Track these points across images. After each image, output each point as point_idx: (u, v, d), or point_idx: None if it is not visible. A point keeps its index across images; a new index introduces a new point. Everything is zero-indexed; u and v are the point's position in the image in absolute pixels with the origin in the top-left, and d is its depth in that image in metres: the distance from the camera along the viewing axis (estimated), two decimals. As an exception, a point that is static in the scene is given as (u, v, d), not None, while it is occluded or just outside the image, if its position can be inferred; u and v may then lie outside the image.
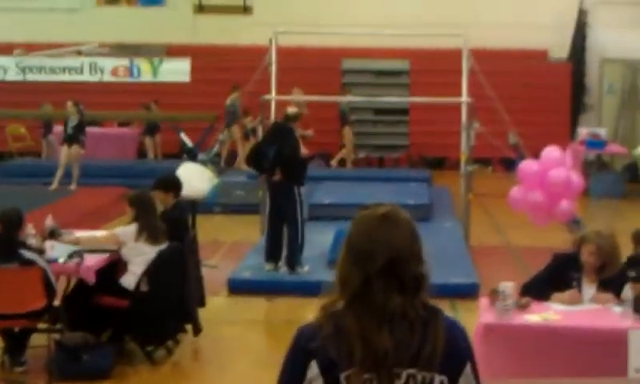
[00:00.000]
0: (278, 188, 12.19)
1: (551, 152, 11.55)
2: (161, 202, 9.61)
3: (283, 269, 12.18)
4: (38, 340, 8.82)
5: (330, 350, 3.06)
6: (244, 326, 10.56)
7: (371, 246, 3.12)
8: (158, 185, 9.83)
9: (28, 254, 8.37)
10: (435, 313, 3.17)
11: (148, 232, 8.94)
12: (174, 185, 9.98)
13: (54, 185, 19.16)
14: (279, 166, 12.04)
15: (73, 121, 19.62)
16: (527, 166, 11.66)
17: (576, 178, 11.60)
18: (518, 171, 11.73)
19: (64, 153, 19.44)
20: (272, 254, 12.25)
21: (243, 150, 20.68)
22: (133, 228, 8.97)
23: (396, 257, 3.10)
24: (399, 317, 3.08)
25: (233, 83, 21.17)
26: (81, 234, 9.52)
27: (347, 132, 23.09)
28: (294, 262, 12.09)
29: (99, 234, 9.61)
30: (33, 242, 8.73)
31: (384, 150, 24.64)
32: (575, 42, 24.66)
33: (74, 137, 19.44)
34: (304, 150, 12.98)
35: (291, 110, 12.93)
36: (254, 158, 12.65)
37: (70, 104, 19.88)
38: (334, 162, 23.28)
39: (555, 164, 11.40)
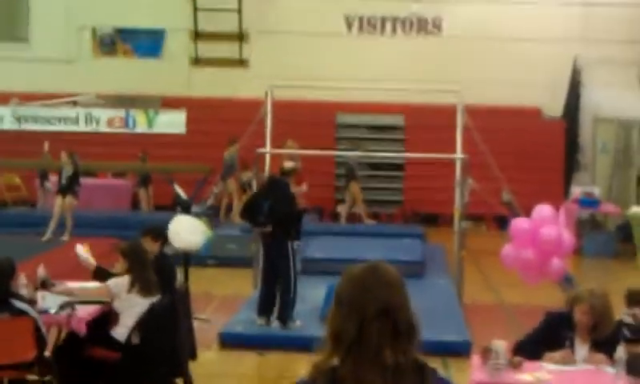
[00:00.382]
0: (272, 242, 12.18)
1: (543, 210, 11.58)
2: (149, 249, 9.61)
3: (275, 323, 12.12)
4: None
5: None
6: (235, 381, 10.51)
7: (363, 295, 3.18)
8: (148, 232, 9.84)
9: (19, 304, 8.32)
10: (426, 367, 3.22)
11: (141, 284, 8.91)
12: (162, 234, 9.99)
13: (47, 235, 19.13)
14: (273, 220, 12.04)
15: (67, 171, 19.62)
16: (519, 223, 11.68)
17: (567, 237, 11.61)
18: (510, 229, 11.76)
19: (58, 203, 19.44)
20: (264, 309, 12.21)
21: (239, 203, 20.67)
22: (125, 280, 8.94)
23: (387, 305, 3.16)
24: (392, 367, 3.12)
25: (231, 136, 21.19)
26: (73, 285, 9.48)
27: (354, 187, 23.06)
28: (285, 317, 12.04)
29: (91, 285, 9.56)
30: (24, 292, 8.69)
31: (378, 205, 24.64)
32: (569, 101, 24.80)
33: (68, 187, 19.43)
34: (301, 202, 12.98)
35: (288, 164, 12.95)
36: (248, 211, 12.65)
37: (64, 154, 19.91)
38: (342, 220, 23.22)
39: (547, 222, 11.42)
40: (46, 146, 22.90)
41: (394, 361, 3.13)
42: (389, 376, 3.12)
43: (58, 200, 19.49)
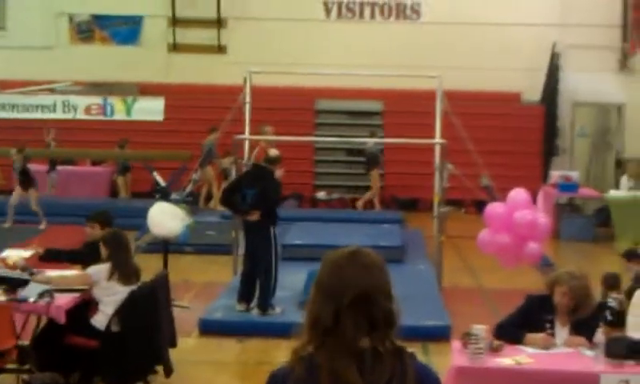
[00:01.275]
0: (255, 229, 12.15)
1: (518, 194, 11.60)
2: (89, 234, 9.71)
3: (255, 310, 12.11)
4: (6, 380, 8.69)
5: None
6: (215, 368, 10.48)
7: (341, 282, 3.15)
8: (93, 220, 9.89)
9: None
10: (405, 353, 3.19)
11: (120, 271, 8.88)
12: (102, 218, 10.01)
13: (8, 223, 19.24)
14: (260, 208, 12.02)
15: (17, 167, 19.61)
16: (493, 208, 11.70)
17: (543, 220, 11.63)
18: (485, 214, 11.77)
19: (17, 193, 19.46)
20: (244, 295, 12.19)
21: (218, 191, 20.64)
22: (105, 267, 8.89)
23: (365, 292, 3.13)
24: (369, 353, 3.11)
25: (211, 124, 21.09)
26: (52, 272, 9.44)
27: (375, 175, 22.98)
28: (265, 304, 12.02)
29: (71, 273, 9.50)
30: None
31: (357, 190, 24.63)
32: (548, 86, 24.86)
33: (24, 181, 19.41)
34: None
35: (273, 152, 12.90)
36: (229, 199, 12.62)
37: (13, 151, 19.84)
38: (359, 204, 23.18)
39: (521, 206, 11.43)
40: (51, 133, 22.70)
41: (370, 348, 3.12)
42: (366, 363, 3.10)
43: (17, 190, 19.50)
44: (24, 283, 8.76)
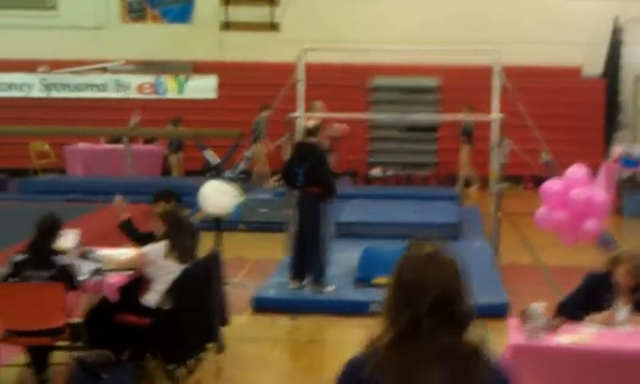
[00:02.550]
0: (306, 205, 12.06)
1: (576, 170, 11.38)
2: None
3: (308, 287, 12.01)
4: (59, 357, 8.70)
5: (378, 380, 3.13)
6: (267, 345, 10.39)
7: (421, 282, 3.18)
8: (160, 196, 9.80)
9: (62, 261, 8.31)
10: (481, 356, 3.21)
11: (179, 251, 8.83)
12: (170, 196, 9.93)
13: None
14: (314, 183, 11.95)
15: None
16: (549, 185, 11.52)
17: (602, 197, 11.39)
18: (541, 190, 11.59)
19: None
20: (297, 272, 12.11)
21: (263, 168, 20.69)
22: (162, 245, 8.84)
23: (445, 294, 3.17)
24: (448, 354, 3.15)
25: (264, 102, 21.00)
26: (107, 252, 9.41)
27: (464, 151, 22.60)
28: (318, 280, 11.92)
29: (127, 253, 9.43)
30: (74, 252, 8.82)
31: (412, 167, 24.44)
32: (609, 59, 24.45)
33: None
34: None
35: (311, 122, 12.79)
36: (285, 178, 12.60)
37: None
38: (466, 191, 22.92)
39: (578, 183, 11.20)
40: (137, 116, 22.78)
41: (449, 349, 3.15)
42: (440, 366, 3.13)
43: None
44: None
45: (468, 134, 21.97)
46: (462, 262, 3.29)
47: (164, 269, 8.80)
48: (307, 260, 12.11)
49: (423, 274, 3.19)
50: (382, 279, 11.76)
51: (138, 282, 9.08)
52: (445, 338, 3.14)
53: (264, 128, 21.38)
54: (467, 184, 22.31)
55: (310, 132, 12.52)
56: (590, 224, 11.29)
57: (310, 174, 12.00)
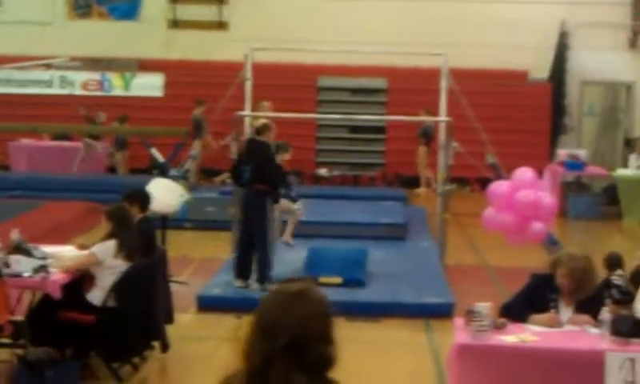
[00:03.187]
0: (250, 202, 12.04)
1: (523, 173, 11.46)
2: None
3: (254, 285, 11.98)
4: (2, 355, 8.62)
5: None
6: (213, 344, 10.32)
7: (277, 321, 3.10)
8: (125, 196, 9.65)
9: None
10: None
11: (127, 249, 8.72)
12: (139, 198, 9.78)
13: None
14: (260, 181, 11.94)
15: None
16: (496, 187, 11.60)
17: (548, 200, 11.48)
18: (488, 192, 11.66)
19: None
20: (242, 271, 12.08)
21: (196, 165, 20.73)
22: (112, 245, 8.72)
23: (302, 336, 3.08)
24: None
25: (211, 101, 20.93)
26: (55, 250, 9.30)
27: (421, 150, 22.62)
28: (264, 277, 11.90)
29: (72, 251, 9.32)
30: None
31: (359, 168, 24.48)
32: (556, 64, 24.68)
33: None
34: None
35: (260, 121, 12.78)
36: (233, 175, 12.59)
37: None
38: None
39: (525, 185, 11.28)
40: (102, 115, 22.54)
41: None
42: None
43: None
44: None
45: (427, 135, 22.05)
46: (329, 303, 3.20)
47: (112, 268, 8.71)
48: (250, 258, 12.10)
49: (282, 313, 3.12)
50: (328, 279, 11.78)
51: (82, 279, 8.97)
52: (297, 380, 3.07)
53: (203, 124, 21.34)
54: (428, 184, 22.39)
55: (260, 130, 12.51)
56: (537, 226, 11.37)
57: (256, 171, 11.97)
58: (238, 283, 12.04)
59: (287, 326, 3.09)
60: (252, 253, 12.09)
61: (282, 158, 12.77)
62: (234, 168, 12.62)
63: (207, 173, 22.82)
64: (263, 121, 12.83)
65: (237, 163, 12.65)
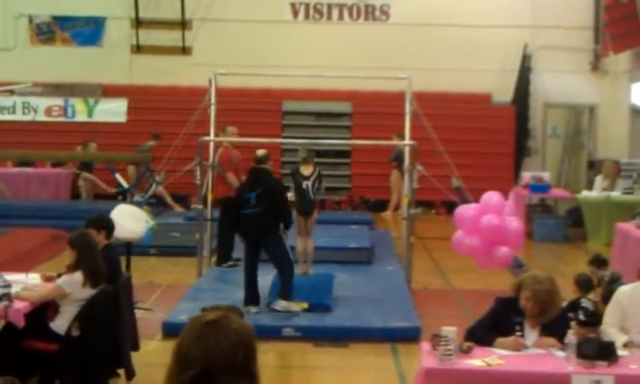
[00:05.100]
0: (261, 230, 12.09)
1: (491, 197, 11.50)
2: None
3: (278, 303, 11.95)
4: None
5: None
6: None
7: (189, 353, 3.06)
8: (90, 223, 9.54)
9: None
10: None
11: (93, 277, 8.60)
12: (105, 225, 9.69)
13: None
14: (269, 206, 11.99)
15: None
16: (463, 210, 11.62)
17: (515, 224, 11.51)
18: (454, 216, 11.69)
19: None
20: (254, 298, 12.05)
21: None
22: (79, 277, 8.59)
23: (212, 367, 3.02)
24: None
25: (175, 126, 20.78)
26: (21, 278, 9.18)
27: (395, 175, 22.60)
28: (289, 295, 11.99)
29: (42, 287, 9.20)
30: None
31: (325, 192, 24.46)
32: (519, 87, 24.87)
33: None
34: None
35: (260, 151, 12.80)
36: (239, 204, 12.49)
37: None
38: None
39: (490, 209, 11.32)
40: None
41: None
42: None
43: None
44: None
45: (399, 159, 22.10)
46: (248, 334, 3.14)
47: (79, 300, 8.61)
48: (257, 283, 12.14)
49: (194, 343, 3.09)
50: (295, 304, 11.77)
51: (46, 307, 8.88)
52: None
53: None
54: (395, 208, 22.41)
55: (260, 160, 12.58)
56: (503, 251, 11.40)
57: (264, 199, 12.01)
58: (254, 310, 11.88)
59: (197, 356, 3.04)
60: (256, 277, 12.12)
61: None
62: (239, 197, 12.56)
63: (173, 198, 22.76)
64: (263, 151, 12.84)
65: (240, 192, 12.64)
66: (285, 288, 12.02)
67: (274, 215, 12.04)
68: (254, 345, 3.14)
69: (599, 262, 10.54)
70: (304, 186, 14.10)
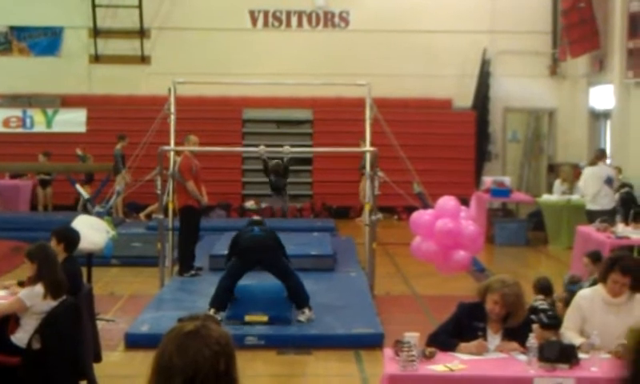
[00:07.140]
0: (267, 246, 12.38)
1: (446, 202, 11.52)
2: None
3: (303, 314, 12.01)
4: None
5: None
6: (141, 382, 10.14)
7: (170, 364, 3.07)
8: (54, 233, 9.49)
9: None
10: None
11: (53, 290, 8.50)
12: (65, 237, 9.60)
13: None
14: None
15: None
16: (419, 216, 11.64)
17: (471, 228, 11.53)
18: (410, 221, 11.70)
19: None
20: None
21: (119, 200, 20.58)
22: (39, 290, 8.48)
23: (196, 376, 3.04)
24: None
25: (136, 136, 20.74)
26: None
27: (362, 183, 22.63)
28: (304, 301, 12.08)
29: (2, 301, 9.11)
30: None
31: (287, 199, 24.41)
32: (479, 92, 24.99)
33: None
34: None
35: (249, 204, 12.94)
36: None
37: None
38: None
39: (447, 214, 11.35)
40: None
41: None
42: None
43: None
44: None
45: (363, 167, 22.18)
46: (227, 341, 3.16)
47: (40, 312, 8.52)
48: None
49: (175, 353, 3.09)
50: (253, 317, 11.69)
51: (6, 321, 8.78)
52: None
53: (120, 160, 21.20)
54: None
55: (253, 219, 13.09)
56: (460, 254, 11.42)
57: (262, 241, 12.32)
58: (218, 317, 11.84)
59: (181, 366, 3.04)
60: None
61: None
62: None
63: (132, 208, 22.65)
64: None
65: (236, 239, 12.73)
66: (300, 297, 12.09)
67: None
68: (233, 351, 3.16)
69: (595, 256, 10.61)
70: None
